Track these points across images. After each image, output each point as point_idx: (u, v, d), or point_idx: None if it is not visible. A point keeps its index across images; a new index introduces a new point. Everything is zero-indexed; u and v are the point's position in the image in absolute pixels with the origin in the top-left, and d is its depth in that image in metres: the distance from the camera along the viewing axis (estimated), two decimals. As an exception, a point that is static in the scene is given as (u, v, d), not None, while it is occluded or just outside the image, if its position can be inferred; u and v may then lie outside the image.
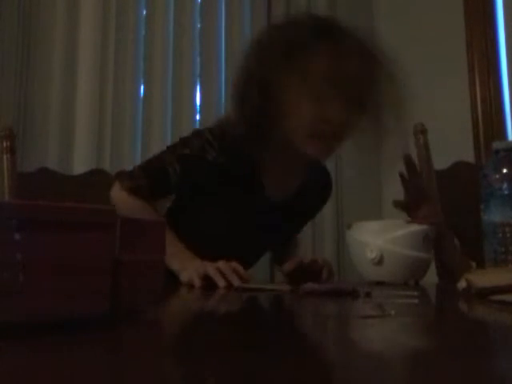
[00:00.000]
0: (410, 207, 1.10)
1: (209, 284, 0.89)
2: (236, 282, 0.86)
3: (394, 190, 1.18)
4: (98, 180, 1.44)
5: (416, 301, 0.69)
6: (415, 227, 0.98)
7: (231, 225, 1.11)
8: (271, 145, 1.07)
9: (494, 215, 0.84)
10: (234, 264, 0.91)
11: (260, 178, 1.11)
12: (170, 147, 1.11)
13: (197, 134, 1.10)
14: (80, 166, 1.82)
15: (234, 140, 1.05)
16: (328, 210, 2.19)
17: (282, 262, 1.14)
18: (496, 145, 0.88)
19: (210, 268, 0.90)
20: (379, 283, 0.97)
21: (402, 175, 1.11)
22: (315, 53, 0.97)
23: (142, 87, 2.03)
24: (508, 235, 0.82)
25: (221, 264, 0.90)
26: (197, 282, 0.90)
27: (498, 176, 0.84)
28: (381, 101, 1.03)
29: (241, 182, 1.09)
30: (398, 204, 1.10)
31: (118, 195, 1.08)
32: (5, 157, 1.30)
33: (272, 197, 1.12)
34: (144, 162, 1.15)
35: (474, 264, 1.12)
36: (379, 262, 0.97)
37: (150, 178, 1.08)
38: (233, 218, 1.11)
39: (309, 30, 0.98)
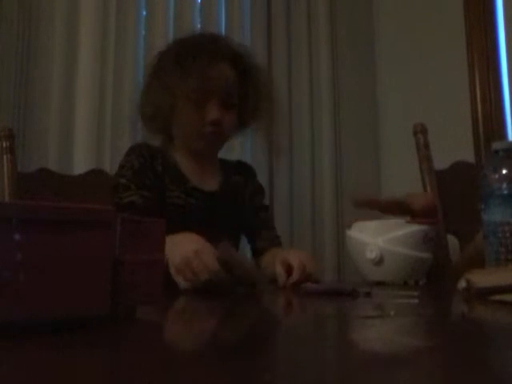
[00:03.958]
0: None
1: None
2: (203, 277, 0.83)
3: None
4: (98, 180, 1.44)
5: (416, 301, 0.69)
6: (415, 227, 0.98)
7: (185, 224, 1.11)
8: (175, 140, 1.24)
9: (493, 215, 0.84)
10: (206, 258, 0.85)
11: (183, 175, 1.21)
12: (116, 186, 1.15)
13: (119, 172, 1.17)
14: (80, 166, 1.81)
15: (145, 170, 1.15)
16: (328, 210, 2.19)
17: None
18: (496, 145, 0.88)
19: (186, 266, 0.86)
20: (379, 283, 0.97)
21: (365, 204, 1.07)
22: (192, 68, 1.14)
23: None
24: (508, 235, 0.82)
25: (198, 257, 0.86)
26: (184, 278, 0.85)
27: (497, 176, 0.84)
28: (254, 105, 1.23)
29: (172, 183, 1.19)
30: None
31: None
32: (5, 157, 1.30)
33: (202, 187, 1.22)
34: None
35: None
36: (379, 261, 0.97)
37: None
38: (182, 217, 1.15)
39: (191, 47, 1.17)
